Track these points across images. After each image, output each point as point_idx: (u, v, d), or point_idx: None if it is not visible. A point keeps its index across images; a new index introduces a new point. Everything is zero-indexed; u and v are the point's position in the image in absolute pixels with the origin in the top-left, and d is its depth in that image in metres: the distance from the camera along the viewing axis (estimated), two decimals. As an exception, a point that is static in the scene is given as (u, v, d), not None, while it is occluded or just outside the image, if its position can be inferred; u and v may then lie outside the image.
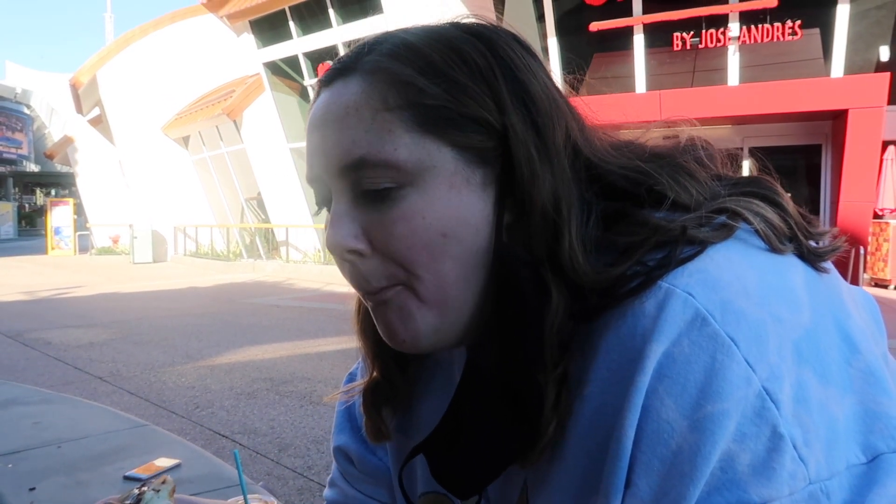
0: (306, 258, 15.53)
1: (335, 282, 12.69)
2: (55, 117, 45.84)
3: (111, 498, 0.53)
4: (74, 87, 20.25)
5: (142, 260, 18.70)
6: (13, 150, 47.17)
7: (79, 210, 24.21)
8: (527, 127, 0.52)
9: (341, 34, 13.65)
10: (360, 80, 0.53)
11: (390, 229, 0.52)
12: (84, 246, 23.43)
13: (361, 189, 0.53)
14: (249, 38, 15.55)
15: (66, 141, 25.89)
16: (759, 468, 0.43)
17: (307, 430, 4.15)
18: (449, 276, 0.53)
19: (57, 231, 23.07)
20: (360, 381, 0.70)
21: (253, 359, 6.16)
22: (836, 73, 10.29)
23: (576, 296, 0.51)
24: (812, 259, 0.52)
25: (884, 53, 10.48)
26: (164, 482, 0.55)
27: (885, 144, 9.92)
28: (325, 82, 0.57)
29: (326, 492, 0.83)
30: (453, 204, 0.52)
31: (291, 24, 14.66)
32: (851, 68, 10.29)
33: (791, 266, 0.50)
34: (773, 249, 0.50)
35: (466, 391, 0.55)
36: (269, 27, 15.15)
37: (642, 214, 0.52)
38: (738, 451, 0.44)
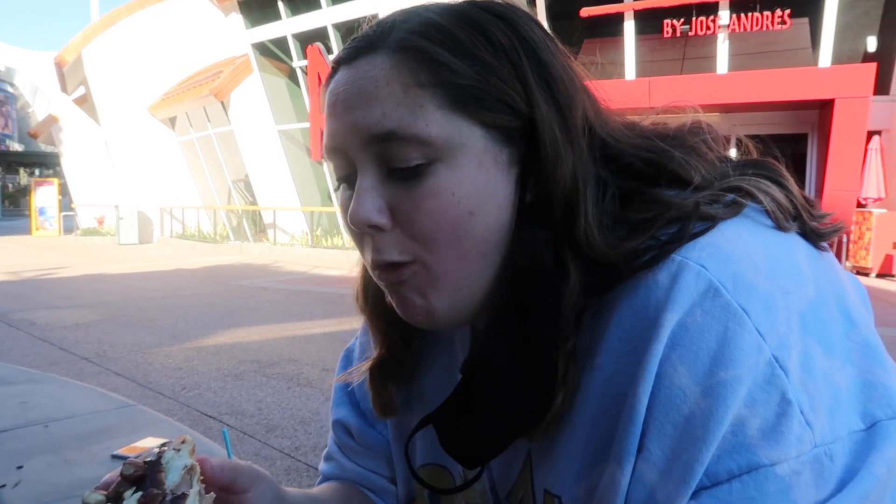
0: (294, 241, 15.47)
1: (322, 265, 12.68)
2: (39, 96, 45.23)
3: (132, 459, 0.52)
4: (59, 66, 19.97)
5: (128, 241, 18.56)
6: (-4, 129, 46.49)
7: (63, 190, 23.96)
8: (550, 107, 0.53)
9: (331, 16, 13.53)
10: (388, 56, 0.54)
11: (418, 204, 0.53)
12: (69, 226, 23.22)
13: (389, 166, 0.54)
14: (238, 18, 15.38)
15: (51, 120, 25.56)
16: (768, 432, 0.46)
17: (294, 412, 4.17)
18: (469, 254, 0.54)
19: (41, 211, 22.84)
20: (365, 361, 0.71)
21: (240, 340, 6.16)
22: (824, 63, 10.34)
23: (589, 271, 0.52)
24: (814, 238, 0.55)
25: (871, 44, 10.53)
26: (183, 441, 0.54)
27: (870, 134, 10.00)
28: (346, 59, 0.57)
29: (323, 466, 0.83)
30: (481, 182, 0.53)
31: (280, 4, 14.50)
32: (839, 58, 10.34)
33: (795, 243, 0.53)
34: (779, 227, 0.53)
35: (479, 364, 0.57)
36: (257, 7, 14.98)
37: (655, 192, 0.54)
38: (748, 415, 0.46)
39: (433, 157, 0.52)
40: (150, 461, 0.51)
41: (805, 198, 0.56)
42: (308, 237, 15.02)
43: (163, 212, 19.48)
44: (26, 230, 23.53)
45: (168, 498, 0.48)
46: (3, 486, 1.40)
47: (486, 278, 0.55)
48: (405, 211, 0.53)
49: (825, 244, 0.56)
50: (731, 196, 0.53)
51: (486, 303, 0.57)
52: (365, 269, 0.66)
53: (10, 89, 48.24)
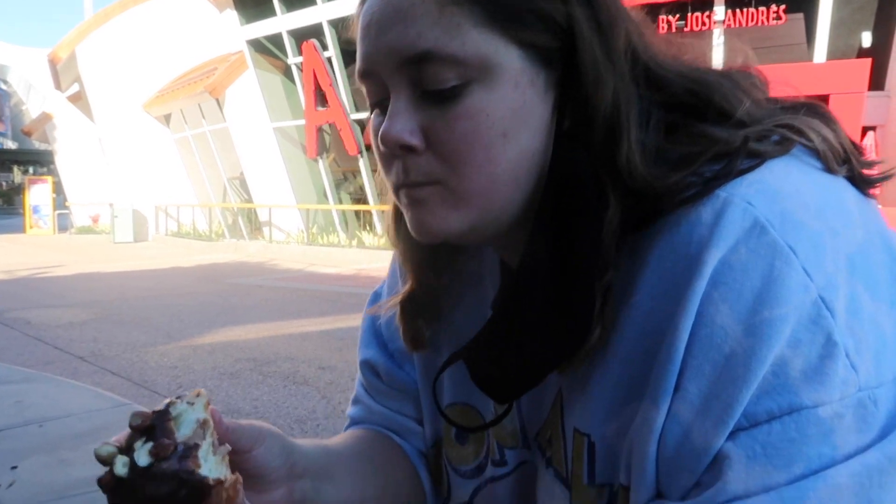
0: (290, 239, 15.45)
1: (318, 262, 12.66)
2: (33, 93, 45.05)
3: (139, 410, 0.51)
4: (53, 63, 19.88)
5: (122, 239, 18.52)
6: (-10, 127, 46.26)
7: (58, 188, 23.88)
8: (591, 27, 0.52)
9: (326, 12, 13.49)
10: None
11: (452, 125, 0.52)
12: (63, 225, 23.14)
13: (424, 88, 0.52)
14: (232, 15, 15.33)
15: (45, 118, 25.46)
16: (810, 374, 0.44)
17: (290, 410, 4.16)
18: (500, 178, 0.52)
19: (35, 210, 22.76)
20: (394, 296, 0.70)
21: (236, 339, 6.14)
22: (819, 59, 10.35)
23: (629, 202, 0.51)
24: (861, 184, 0.54)
25: (866, 39, 10.55)
26: (198, 395, 0.52)
27: (865, 130, 10.02)
28: None
29: (350, 410, 0.82)
30: (517, 104, 0.52)
31: (275, 0, 14.46)
32: (834, 54, 10.35)
33: (844, 186, 0.52)
34: (829, 169, 0.51)
35: (512, 296, 0.56)
36: (252, 3, 14.93)
37: (701, 126, 0.52)
38: (791, 356, 0.45)
39: (468, 78, 0.51)
40: (158, 410, 0.50)
41: (854, 143, 0.55)
42: (304, 235, 15.00)
43: (158, 210, 19.43)
44: (20, 228, 23.44)
45: (180, 448, 0.47)
46: (-2, 486, 1.39)
47: (516, 204, 0.54)
48: (438, 132, 0.52)
49: (871, 193, 0.54)
50: (780, 133, 0.51)
51: (513, 228, 0.56)
52: (394, 206, 0.65)
53: (3, 86, 48.02)
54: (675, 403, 0.48)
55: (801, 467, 0.44)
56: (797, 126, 0.52)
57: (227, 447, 0.50)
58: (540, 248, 0.54)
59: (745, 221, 0.46)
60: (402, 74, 0.53)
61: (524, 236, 0.55)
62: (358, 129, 13.52)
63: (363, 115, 13.59)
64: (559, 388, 0.59)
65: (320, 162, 14.62)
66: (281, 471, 0.60)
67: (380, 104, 0.56)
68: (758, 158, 0.49)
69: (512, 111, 0.52)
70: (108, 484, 0.47)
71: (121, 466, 0.47)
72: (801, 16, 10.78)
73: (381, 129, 0.54)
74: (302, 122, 14.46)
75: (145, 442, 0.48)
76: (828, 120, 0.54)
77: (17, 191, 40.83)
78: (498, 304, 0.57)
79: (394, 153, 0.54)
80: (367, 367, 0.79)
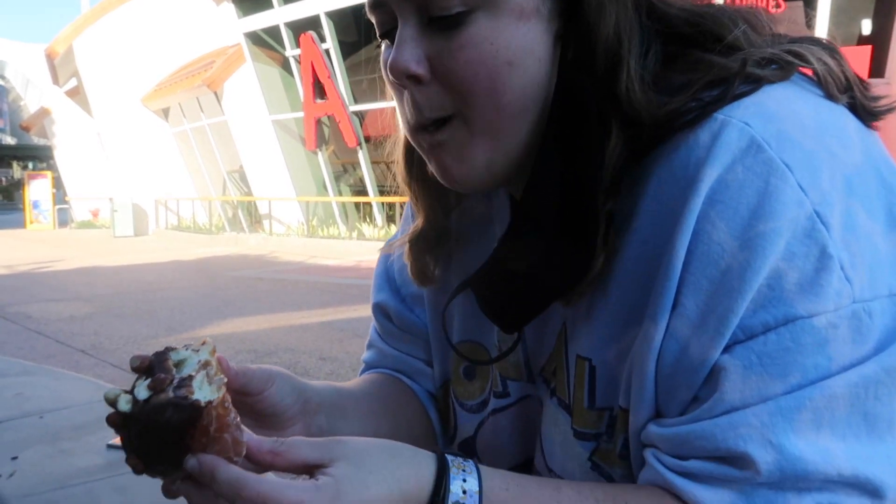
0: (289, 231, 15.44)
1: (318, 254, 12.67)
2: (31, 88, 44.92)
3: (138, 354, 0.55)
4: (50, 58, 19.83)
5: (123, 233, 18.52)
6: (-12, 122, 46.21)
7: (57, 183, 23.88)
8: None
9: (324, 4, 13.43)
10: None
11: (457, 54, 0.52)
12: (63, 220, 23.14)
13: (430, 15, 0.53)
14: (230, 7, 15.26)
15: (43, 113, 25.43)
16: (806, 286, 0.45)
17: (292, 402, 4.17)
18: (507, 107, 0.53)
19: (35, 205, 22.75)
20: (405, 234, 0.73)
21: (237, 331, 6.15)
22: (819, 46, 10.31)
23: (631, 133, 0.52)
24: (864, 115, 0.54)
25: (866, 27, 10.50)
26: (203, 343, 0.54)
27: (866, 117, 9.98)
28: None
29: (365, 354, 0.85)
30: (521, 33, 0.52)
31: (272, -7, 14.41)
32: (834, 41, 10.31)
33: (844, 113, 0.52)
34: (829, 96, 0.52)
35: (520, 226, 0.57)
36: (249, -4, 14.88)
37: (700, 54, 0.52)
38: (786, 268, 0.45)
39: (474, 5, 0.52)
40: (157, 352, 0.53)
41: (858, 76, 0.55)
42: (304, 227, 14.99)
43: (158, 204, 19.42)
44: (20, 224, 23.44)
45: (176, 381, 0.50)
46: (-2, 476, 1.39)
47: (525, 134, 0.55)
48: (444, 61, 0.53)
49: (875, 126, 0.55)
50: (780, 57, 0.51)
51: (523, 162, 0.56)
52: (407, 139, 0.65)
53: (0, 82, 47.94)
54: (673, 320, 0.49)
55: (798, 377, 0.45)
56: (797, 51, 0.53)
57: (223, 378, 0.52)
58: (545, 177, 0.55)
59: (742, 141, 0.47)
60: (410, 2, 0.54)
61: (531, 167, 0.56)
62: (357, 120, 13.49)
63: (362, 107, 13.56)
64: (563, 321, 0.60)
65: (319, 154, 14.59)
66: (295, 408, 0.63)
67: (387, 35, 0.58)
68: (756, 83, 0.50)
69: (516, 40, 0.52)
70: (115, 420, 0.51)
71: (124, 403, 0.51)
72: (800, 3, 10.74)
73: (389, 59, 0.55)
74: (300, 114, 14.43)
75: (145, 380, 0.51)
76: (831, 50, 0.55)
77: (17, 186, 40.81)
78: (506, 233, 0.59)
79: (401, 83, 0.55)
80: (380, 310, 0.81)
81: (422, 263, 0.71)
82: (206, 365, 0.52)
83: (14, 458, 1.48)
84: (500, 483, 0.50)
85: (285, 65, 15.10)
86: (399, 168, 0.69)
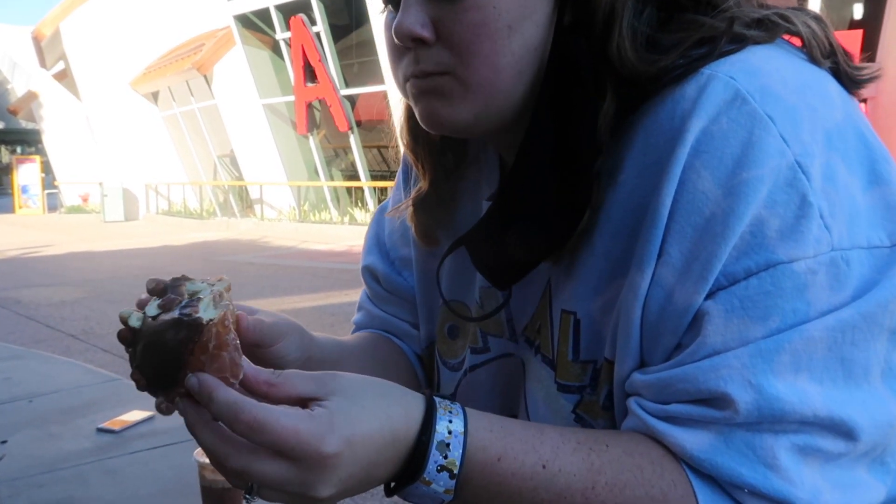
0: (281, 216, 15.40)
1: (310, 239, 12.64)
2: (18, 71, 44.39)
3: (155, 277, 0.57)
4: (37, 40, 19.60)
5: (113, 218, 18.41)
6: (-25, 106, 45.68)
7: (46, 168, 23.67)
8: None
9: (314, -14, 13.30)
10: None
11: (461, 17, 0.54)
12: (53, 205, 22.99)
13: None
14: (219, -11, 15.11)
15: (31, 96, 25.15)
16: (786, 232, 0.47)
17: (283, 386, 4.18)
18: (504, 70, 0.55)
19: (24, 189, 22.57)
20: (407, 199, 0.75)
21: (228, 316, 6.14)
22: (811, 30, 10.29)
23: (622, 93, 0.53)
24: (847, 83, 0.55)
25: (857, 11, 10.49)
26: (220, 279, 0.55)
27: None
28: None
29: (355, 317, 0.88)
30: None
31: (262, -26, 14.25)
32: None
33: (826, 76, 0.54)
34: (812, 60, 0.54)
35: (511, 185, 0.59)
36: (238, -22, 14.72)
37: (692, 16, 0.54)
38: (767, 216, 0.47)
39: None
40: (174, 277, 0.56)
41: (843, 46, 0.56)
42: (295, 212, 14.94)
43: (148, 188, 19.30)
44: (9, 208, 23.27)
45: (184, 301, 0.52)
46: (-13, 460, 1.39)
47: (518, 95, 0.57)
48: (448, 24, 0.55)
49: (858, 97, 0.56)
50: (766, 18, 0.54)
51: (512, 120, 0.58)
52: (408, 105, 0.68)
53: (-13, 65, 47.34)
54: (659, 268, 0.50)
55: (777, 321, 0.47)
56: (783, 13, 0.54)
57: (228, 302, 0.54)
58: (539, 138, 0.57)
59: (727, 93, 0.49)
60: None
61: (523, 129, 0.58)
62: (348, 104, 13.41)
63: (353, 90, 13.48)
64: (548, 278, 0.62)
65: (311, 138, 14.52)
66: (297, 363, 0.65)
67: (391, 1, 0.60)
68: (742, 42, 0.52)
69: (518, 5, 0.54)
70: (125, 336, 0.54)
71: (134, 319, 0.53)
72: (793, -14, 10.71)
73: (394, 23, 0.56)
74: (291, 98, 14.33)
75: (157, 300, 0.54)
76: (817, 18, 0.56)
77: (6, 171, 40.44)
78: (497, 193, 0.62)
79: (406, 46, 0.57)
80: (368, 272, 0.84)
81: (426, 225, 0.73)
82: (220, 296, 0.54)
83: (3, 442, 1.48)
84: (485, 425, 0.52)
85: (275, 48, 14.98)
86: (402, 133, 0.71)
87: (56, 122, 23.82)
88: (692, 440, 0.49)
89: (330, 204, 14.63)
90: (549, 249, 0.58)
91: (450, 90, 0.57)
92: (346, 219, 13.92)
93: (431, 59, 0.56)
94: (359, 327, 0.87)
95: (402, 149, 0.75)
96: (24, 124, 39.96)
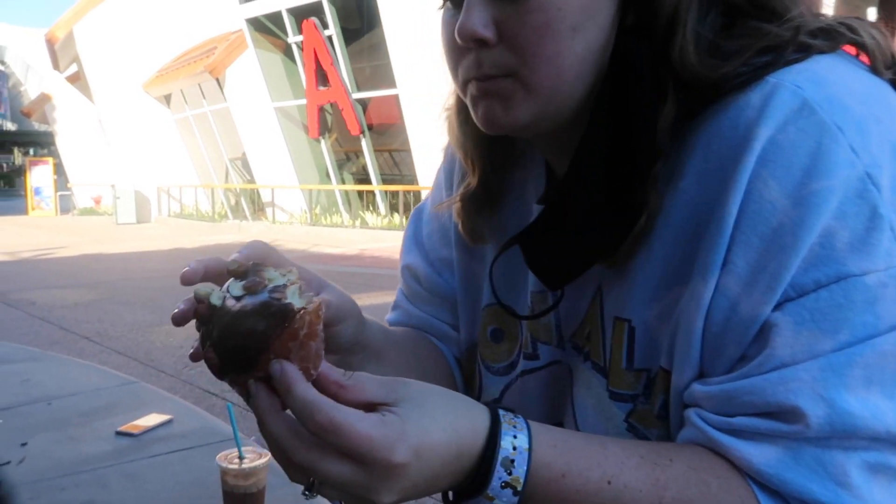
0: (293, 219, 15.43)
1: (322, 242, 12.66)
2: (31, 74, 44.80)
3: (236, 257, 0.55)
4: (50, 43, 19.77)
5: (125, 221, 18.52)
6: (-11, 108, 46.13)
7: (59, 170, 23.84)
8: None
9: (326, -10, 13.35)
10: None
11: (525, 18, 0.54)
12: (65, 206, 23.13)
13: None
14: (231, -7, 15.18)
15: (44, 98, 25.38)
16: (857, 244, 0.46)
17: (296, 389, 4.17)
18: (567, 71, 0.55)
19: (37, 191, 22.73)
20: (453, 197, 0.74)
21: (240, 319, 6.15)
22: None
23: (682, 97, 0.53)
24: None
25: (871, 14, 10.44)
26: (290, 270, 0.53)
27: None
28: None
29: (388, 315, 0.86)
30: (586, 0, 0.54)
31: (274, -22, 14.31)
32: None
33: (888, 88, 0.54)
34: (874, 71, 0.53)
35: (569, 185, 0.59)
36: (251, -18, 14.79)
37: (756, 24, 0.54)
38: (837, 227, 0.46)
39: None
40: (254, 262, 0.54)
41: None
42: (307, 215, 14.97)
43: (160, 191, 19.40)
44: (23, 210, 23.43)
45: (270, 286, 0.50)
46: (8, 462, 1.39)
47: (577, 98, 0.56)
48: (511, 25, 0.54)
49: None
50: (831, 28, 0.53)
51: (567, 126, 0.58)
52: (459, 100, 0.67)
53: (1, 67, 47.80)
54: (723, 278, 0.50)
55: (847, 335, 0.46)
56: (847, 23, 0.54)
57: (313, 295, 0.52)
58: (596, 139, 0.56)
59: (794, 102, 0.48)
60: None
61: (577, 135, 0.57)
62: (360, 108, 13.44)
63: (364, 94, 13.51)
64: (598, 284, 0.62)
65: (322, 142, 14.56)
66: (347, 346, 0.64)
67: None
68: (806, 51, 0.51)
69: (581, 6, 0.53)
70: (202, 313, 0.51)
71: (216, 297, 0.51)
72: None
73: (457, 23, 0.55)
74: (303, 101, 14.38)
75: (240, 282, 0.51)
76: (879, 27, 0.56)
77: (19, 172, 40.80)
78: (551, 193, 0.62)
79: (468, 46, 0.56)
80: (409, 271, 0.83)
81: (474, 222, 0.72)
82: (303, 287, 0.52)
83: (23, 445, 1.48)
84: (549, 440, 0.51)
85: (287, 51, 15.04)
86: (451, 129, 0.70)
87: (69, 125, 24.00)
88: (759, 454, 0.48)
89: (341, 207, 14.65)
90: (604, 251, 0.57)
91: (512, 92, 0.56)
92: (358, 222, 13.94)
93: (494, 61, 0.55)
94: (395, 325, 0.86)
95: (449, 144, 0.74)
96: (38, 126, 40.29)
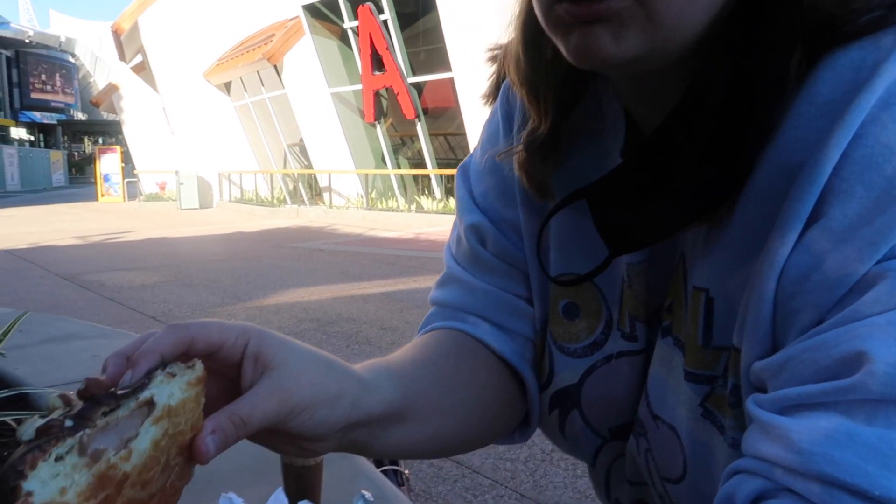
0: (349, 203, 15.60)
1: (378, 227, 12.77)
2: (99, 65, 46.36)
3: (100, 377, 0.44)
4: (116, 34, 20.38)
5: (188, 206, 19.05)
6: (61, 99, 48.03)
7: (126, 157, 24.67)
8: None
9: (381, -26, 13.36)
10: None
11: None
12: (132, 193, 23.95)
13: None
14: (288, -20, 15.36)
15: (111, 89, 26.23)
16: None
17: (354, 370, 4.22)
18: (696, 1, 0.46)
19: (106, 178, 23.58)
20: (516, 146, 0.64)
21: (299, 300, 6.26)
22: None
23: (808, 45, 0.46)
24: None
25: None
26: (191, 366, 0.44)
27: None
28: None
29: (435, 293, 0.73)
30: None
31: (330, -36, 14.40)
32: None
33: None
34: None
35: (669, 133, 0.50)
36: (307, -32, 14.92)
37: None
38: None
39: None
40: (108, 392, 0.42)
41: None
42: (363, 200, 15.11)
43: (221, 177, 19.87)
44: (92, 196, 24.39)
45: (66, 424, 0.39)
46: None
47: (698, 33, 0.47)
48: None
49: None
50: None
51: (679, 58, 0.49)
52: (529, 32, 0.57)
53: (71, 60, 49.63)
54: (810, 232, 0.42)
55: None
56: None
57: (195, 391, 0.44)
58: (709, 87, 0.48)
59: None
60: None
61: (673, 82, 0.50)
62: (415, 92, 13.44)
63: (420, 78, 13.49)
64: (681, 250, 0.54)
65: (378, 127, 14.63)
66: (336, 427, 0.52)
67: None
68: None
69: None
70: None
71: (28, 431, 0.39)
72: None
73: None
74: (359, 86, 14.47)
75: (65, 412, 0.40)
76: None
77: (89, 160, 42.38)
78: (639, 146, 0.52)
79: None
80: (473, 231, 0.70)
81: (542, 173, 0.62)
82: (147, 404, 0.42)
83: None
84: None
85: (343, 37, 15.13)
86: (516, 66, 0.60)
87: (135, 114, 24.78)
88: (803, 430, 0.40)
89: (397, 192, 14.73)
90: (692, 216, 0.49)
91: (629, 18, 0.46)
92: (413, 206, 13.99)
93: None
94: (446, 306, 0.71)
95: (512, 85, 0.63)
96: (106, 116, 41.75)
